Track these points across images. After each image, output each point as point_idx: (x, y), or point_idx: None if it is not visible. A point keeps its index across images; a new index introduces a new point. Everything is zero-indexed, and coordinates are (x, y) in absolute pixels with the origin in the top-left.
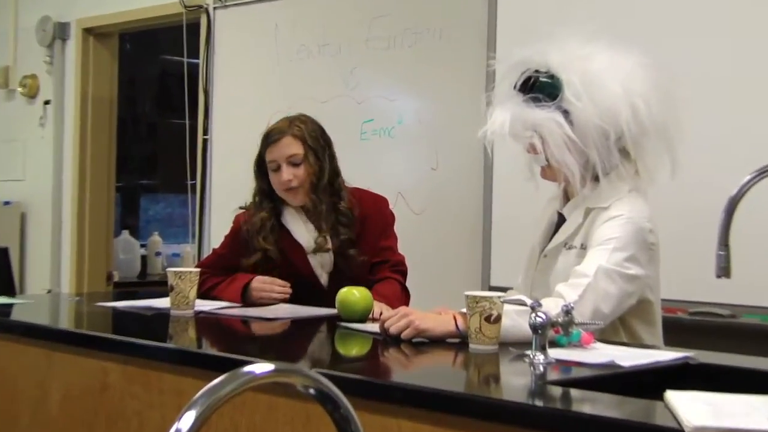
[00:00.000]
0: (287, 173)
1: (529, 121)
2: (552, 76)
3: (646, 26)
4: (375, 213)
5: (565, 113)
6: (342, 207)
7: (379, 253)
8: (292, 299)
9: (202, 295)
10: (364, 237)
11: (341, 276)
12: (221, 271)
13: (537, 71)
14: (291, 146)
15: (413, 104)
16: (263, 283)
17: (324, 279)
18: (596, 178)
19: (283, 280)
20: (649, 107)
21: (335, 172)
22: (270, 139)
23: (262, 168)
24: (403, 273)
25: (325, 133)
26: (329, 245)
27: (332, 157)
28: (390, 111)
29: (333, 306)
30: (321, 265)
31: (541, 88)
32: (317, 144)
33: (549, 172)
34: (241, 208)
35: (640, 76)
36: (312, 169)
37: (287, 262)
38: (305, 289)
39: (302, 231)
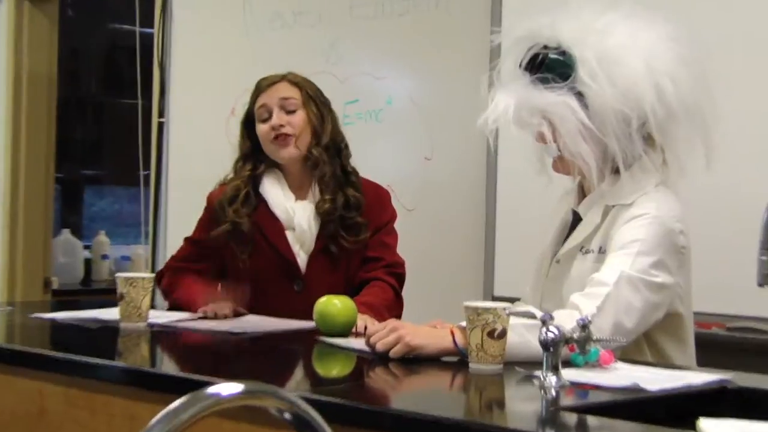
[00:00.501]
0: (278, 117)
1: (536, 106)
2: (563, 53)
3: None
4: (375, 202)
5: (579, 96)
6: (350, 169)
7: (375, 247)
8: (263, 287)
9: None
10: None
11: (324, 259)
12: (201, 259)
13: (546, 47)
14: (286, 90)
15: (404, 83)
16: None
17: (302, 260)
18: (617, 171)
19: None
20: (677, 87)
21: (341, 138)
22: (262, 84)
23: (249, 126)
24: (399, 277)
25: (324, 95)
26: (329, 209)
27: (335, 121)
28: (377, 91)
29: (310, 298)
30: (300, 243)
31: (550, 66)
32: (318, 96)
33: (561, 164)
34: (220, 185)
35: (666, 50)
36: (312, 118)
37: (260, 236)
38: (278, 274)
39: (280, 199)
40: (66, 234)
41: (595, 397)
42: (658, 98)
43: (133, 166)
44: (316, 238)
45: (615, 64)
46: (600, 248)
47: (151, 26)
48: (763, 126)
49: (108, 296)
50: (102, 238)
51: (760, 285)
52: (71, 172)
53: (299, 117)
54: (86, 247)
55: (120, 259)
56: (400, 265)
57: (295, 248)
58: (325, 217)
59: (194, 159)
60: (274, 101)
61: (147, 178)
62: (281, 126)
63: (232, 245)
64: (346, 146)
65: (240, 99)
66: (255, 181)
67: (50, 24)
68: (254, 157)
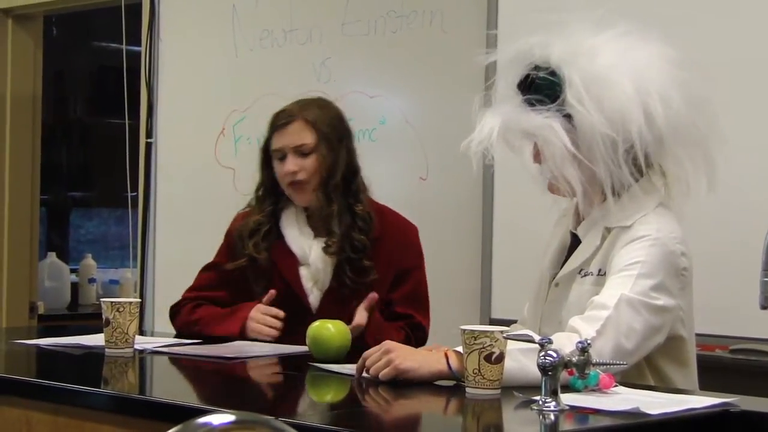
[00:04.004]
0: (293, 163)
1: (521, 128)
2: (553, 73)
3: (676, 5)
4: (399, 244)
5: (568, 117)
6: (359, 210)
7: (405, 302)
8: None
9: (192, 331)
10: (376, 262)
11: (337, 297)
12: (221, 285)
13: (537, 67)
14: (300, 133)
15: (398, 102)
16: (262, 314)
17: (314, 298)
18: (616, 193)
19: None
20: (668, 109)
21: (353, 170)
22: (277, 123)
23: (267, 158)
24: (418, 340)
25: (345, 121)
26: (335, 251)
27: (350, 152)
28: (371, 109)
29: None
30: (314, 281)
31: (539, 87)
32: (333, 133)
33: (556, 186)
34: (249, 205)
35: (658, 71)
36: (324, 162)
37: (276, 271)
38: (290, 310)
39: (295, 236)
40: (52, 257)
41: (595, 422)
42: (646, 121)
43: (120, 187)
44: (332, 277)
45: (602, 86)
46: (599, 271)
47: (138, 44)
48: (766, 148)
49: (95, 321)
50: (89, 261)
51: (763, 307)
52: (57, 194)
53: (311, 161)
54: (73, 271)
55: (108, 282)
56: (424, 329)
57: (308, 285)
58: (333, 258)
59: (183, 180)
60: (288, 147)
61: (134, 199)
62: (295, 172)
63: (249, 277)
64: (357, 184)
65: (228, 118)
66: (276, 215)
67: (34, 44)
68: (275, 189)
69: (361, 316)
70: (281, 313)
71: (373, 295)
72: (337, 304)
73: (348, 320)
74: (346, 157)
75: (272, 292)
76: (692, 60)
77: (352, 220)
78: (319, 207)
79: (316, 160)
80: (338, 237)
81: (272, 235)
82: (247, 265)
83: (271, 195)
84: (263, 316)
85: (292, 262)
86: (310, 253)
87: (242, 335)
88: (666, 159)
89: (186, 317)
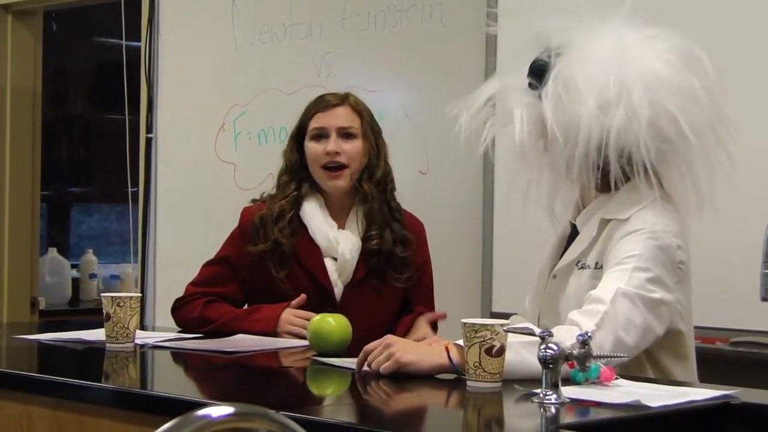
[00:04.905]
0: (336, 143)
1: (504, 106)
2: (548, 57)
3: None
4: (413, 231)
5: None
6: (394, 205)
7: (423, 299)
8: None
9: (211, 329)
10: None
11: (361, 291)
12: (229, 280)
13: (547, 49)
14: (348, 116)
15: (398, 96)
16: (296, 316)
17: (339, 289)
18: (612, 186)
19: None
20: (638, 113)
21: (389, 168)
22: (321, 104)
23: (298, 141)
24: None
25: (377, 123)
26: (378, 246)
27: (386, 152)
28: (371, 104)
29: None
30: (340, 273)
31: (533, 71)
32: (376, 126)
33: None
34: (253, 201)
35: (652, 78)
36: (366, 150)
37: (298, 262)
38: (311, 301)
39: (320, 226)
40: (53, 253)
41: (596, 415)
42: (624, 127)
43: (120, 183)
44: (355, 270)
45: (572, 86)
46: (596, 264)
47: (138, 40)
48: (764, 139)
49: (97, 316)
50: (90, 256)
51: (764, 299)
52: (58, 189)
53: (356, 146)
54: (74, 267)
55: (108, 278)
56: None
57: (334, 278)
58: (373, 252)
59: (183, 175)
60: (332, 127)
61: (134, 195)
62: (337, 153)
63: (270, 263)
64: (392, 180)
65: (228, 114)
66: (298, 203)
67: (34, 39)
68: (300, 173)
69: (425, 330)
70: (313, 315)
71: (441, 314)
72: (360, 297)
73: (370, 312)
74: (384, 157)
75: (303, 296)
76: (700, 59)
77: (391, 214)
78: (345, 196)
79: (361, 147)
80: (378, 230)
81: (295, 223)
82: (267, 251)
83: (295, 177)
84: (296, 318)
85: (316, 252)
86: (338, 245)
87: (274, 334)
88: (661, 159)
89: (199, 312)
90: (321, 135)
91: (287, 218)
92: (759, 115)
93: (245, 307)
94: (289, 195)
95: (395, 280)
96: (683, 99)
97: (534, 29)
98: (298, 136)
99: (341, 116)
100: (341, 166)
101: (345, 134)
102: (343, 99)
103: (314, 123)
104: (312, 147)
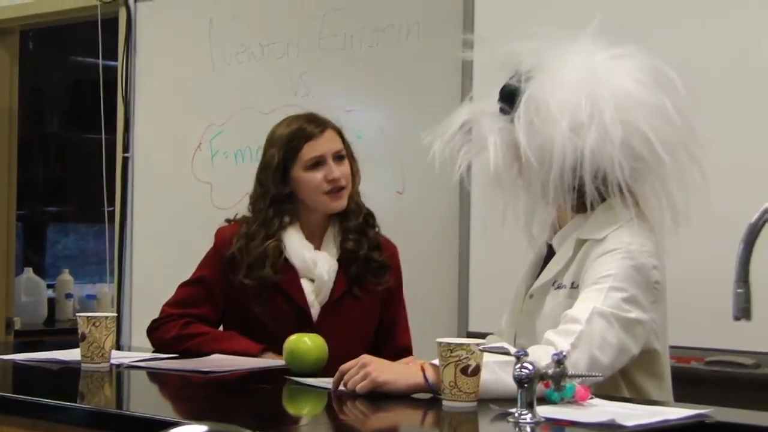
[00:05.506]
0: (337, 169)
1: (479, 132)
2: (518, 82)
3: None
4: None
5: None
6: (366, 211)
7: (393, 323)
8: (274, 335)
9: (184, 349)
10: None
11: (337, 310)
12: (205, 302)
13: (517, 74)
14: (335, 139)
15: (375, 116)
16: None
17: (315, 310)
18: (587, 207)
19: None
20: (610, 134)
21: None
22: (310, 132)
23: (283, 173)
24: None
25: None
26: (354, 247)
27: (356, 163)
28: (347, 124)
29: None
30: (317, 293)
31: (504, 96)
32: (347, 142)
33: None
34: (227, 221)
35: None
36: (353, 167)
37: (277, 287)
38: (288, 322)
39: (297, 249)
40: (29, 273)
41: None
42: (598, 147)
43: (97, 202)
44: (332, 290)
45: (544, 109)
46: (572, 283)
47: (115, 59)
48: (739, 159)
49: (73, 336)
50: (66, 276)
51: (737, 318)
52: (33, 209)
53: (347, 166)
54: (50, 287)
55: (85, 297)
56: (408, 350)
57: (310, 298)
58: (349, 256)
59: (160, 194)
60: (329, 153)
61: (111, 214)
62: (340, 178)
63: (249, 296)
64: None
65: (205, 133)
66: (281, 234)
67: (10, 58)
68: (285, 205)
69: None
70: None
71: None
72: (336, 318)
73: (347, 331)
74: (359, 171)
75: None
76: (672, 77)
77: (366, 222)
78: (321, 217)
79: (350, 165)
80: (355, 235)
81: (281, 256)
82: (251, 285)
83: (279, 214)
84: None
85: (294, 275)
86: (315, 266)
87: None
88: (635, 176)
89: (176, 332)
90: (318, 163)
91: (277, 255)
92: (730, 130)
93: (220, 328)
94: (275, 233)
95: (375, 285)
96: (655, 118)
97: (505, 53)
98: (284, 168)
99: (332, 140)
100: (343, 189)
101: (338, 157)
102: (324, 123)
103: (309, 153)
104: (311, 176)
